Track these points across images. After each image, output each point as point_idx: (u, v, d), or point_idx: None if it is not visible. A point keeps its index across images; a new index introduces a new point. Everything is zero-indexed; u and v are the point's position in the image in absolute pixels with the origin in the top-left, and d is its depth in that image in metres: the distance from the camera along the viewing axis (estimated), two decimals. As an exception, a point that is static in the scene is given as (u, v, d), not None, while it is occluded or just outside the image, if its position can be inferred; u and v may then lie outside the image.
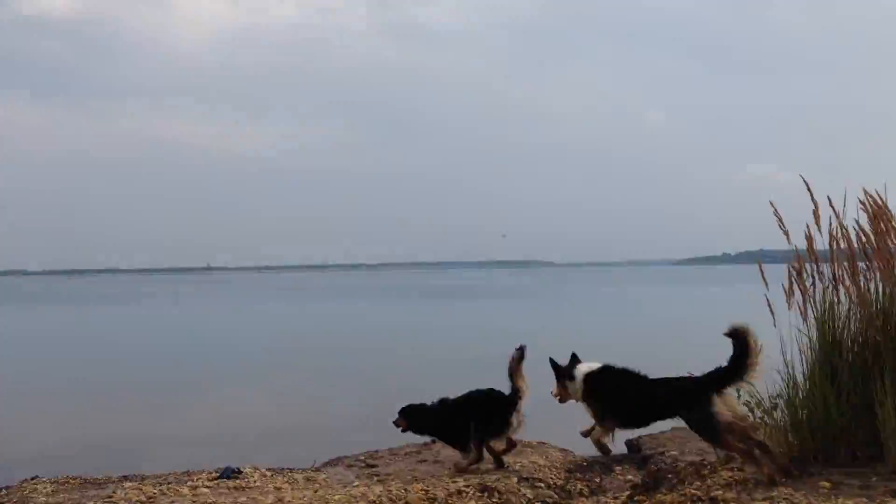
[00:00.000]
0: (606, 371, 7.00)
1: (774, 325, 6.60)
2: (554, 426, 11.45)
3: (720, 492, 5.87)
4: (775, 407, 6.60)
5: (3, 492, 8.13)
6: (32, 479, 8.47)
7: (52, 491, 7.91)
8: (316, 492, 7.07)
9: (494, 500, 7.07)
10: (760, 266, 6.88)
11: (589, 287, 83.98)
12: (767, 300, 6.61)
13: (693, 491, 6.05)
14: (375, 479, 7.86)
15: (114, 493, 7.42)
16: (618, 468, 9.02)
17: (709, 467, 6.73)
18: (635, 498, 6.74)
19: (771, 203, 6.79)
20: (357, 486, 7.45)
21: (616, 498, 7.48)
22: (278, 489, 7.40)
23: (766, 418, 6.61)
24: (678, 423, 9.72)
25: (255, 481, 7.85)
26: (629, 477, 8.58)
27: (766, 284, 6.71)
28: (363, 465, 9.01)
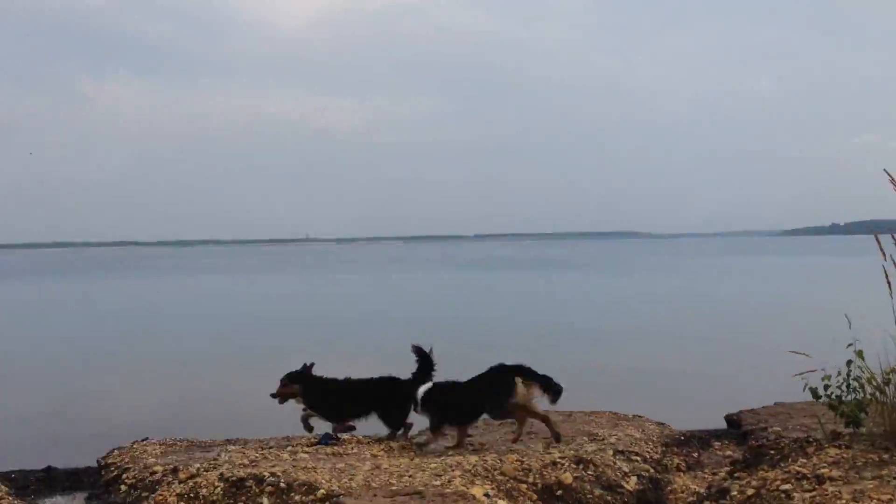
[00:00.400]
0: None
1: (892, 297, 6.23)
2: (650, 399, 11.29)
3: (826, 469, 5.61)
4: (888, 382, 6.26)
5: (116, 452, 8.54)
6: (143, 440, 8.86)
7: (161, 452, 8.27)
8: (412, 459, 7.15)
9: (590, 472, 7.00)
10: (877, 237, 6.49)
11: (713, 260, 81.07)
12: (885, 272, 6.25)
13: (797, 468, 5.81)
14: (470, 448, 7.88)
15: (218, 455, 7.70)
16: (716, 443, 8.81)
17: (815, 444, 6.45)
18: (735, 474, 6.53)
19: (886, 172, 6.41)
20: (451, 454, 7.49)
21: (714, 474, 7.31)
22: (374, 456, 7.51)
23: (877, 394, 6.28)
24: (780, 396, 9.46)
25: (351, 448, 7.98)
26: (728, 453, 8.36)
27: (885, 255, 6.32)
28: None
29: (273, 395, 8.45)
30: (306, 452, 7.77)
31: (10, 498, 6.93)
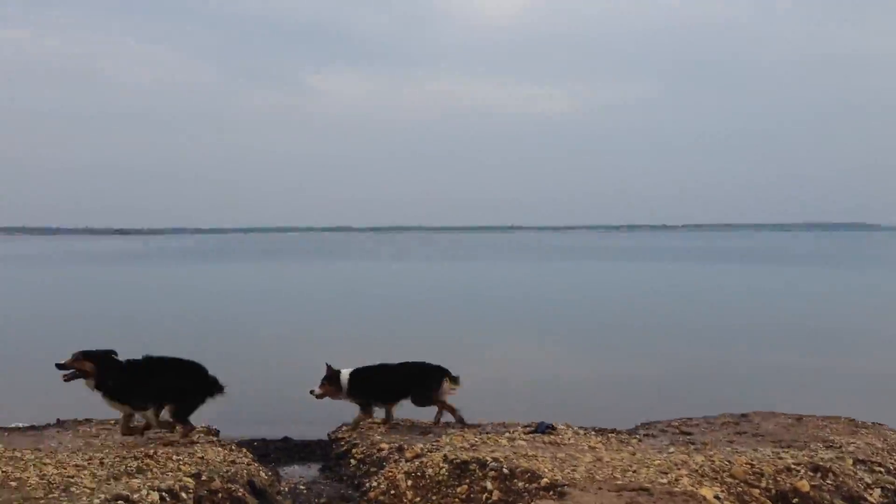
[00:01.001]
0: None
1: None
2: (891, 406, 10.36)
3: None
4: None
5: (344, 427, 9.04)
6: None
7: (387, 430, 8.66)
8: (634, 454, 7.00)
9: (829, 481, 6.53)
10: None
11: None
12: None
13: None
14: (692, 447, 7.60)
15: (440, 437, 7.93)
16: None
17: None
18: None
19: None
20: (674, 452, 7.26)
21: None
22: (593, 448, 7.44)
23: None
24: None
25: (568, 438, 7.95)
26: None
27: None
28: (676, 431, 8.78)
29: (59, 366, 7.42)
30: (524, 440, 7.82)
31: (256, 464, 7.51)
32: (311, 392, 8.82)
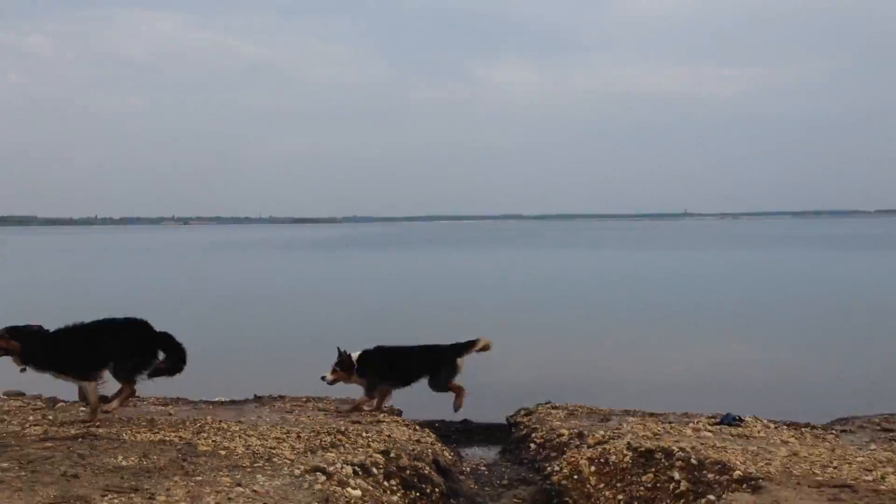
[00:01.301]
0: None
1: None
2: None
3: None
4: None
5: (523, 412, 9.11)
6: (546, 403, 9.32)
7: (565, 416, 8.64)
8: (833, 451, 6.61)
9: None
10: None
11: None
12: None
13: None
14: (896, 445, 7.08)
15: (620, 425, 7.82)
16: None
17: None
18: None
19: None
20: (876, 449, 6.81)
21: None
22: (785, 442, 7.09)
23: None
24: None
25: (758, 431, 7.62)
26: None
27: None
28: (878, 427, 8.23)
29: None
30: (709, 431, 7.58)
31: (439, 444, 7.71)
32: (323, 378, 8.55)
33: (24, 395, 9.02)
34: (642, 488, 6.16)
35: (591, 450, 6.83)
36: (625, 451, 6.54)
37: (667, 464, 6.24)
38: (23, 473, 5.13)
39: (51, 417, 7.40)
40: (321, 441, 6.70)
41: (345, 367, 8.52)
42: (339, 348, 8.56)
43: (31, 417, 7.37)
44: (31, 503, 4.50)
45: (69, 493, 4.71)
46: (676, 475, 6.07)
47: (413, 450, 6.83)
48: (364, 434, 7.06)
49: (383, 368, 8.63)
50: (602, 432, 7.39)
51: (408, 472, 6.32)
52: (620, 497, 6.22)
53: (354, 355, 8.59)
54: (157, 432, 6.65)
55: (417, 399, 8.99)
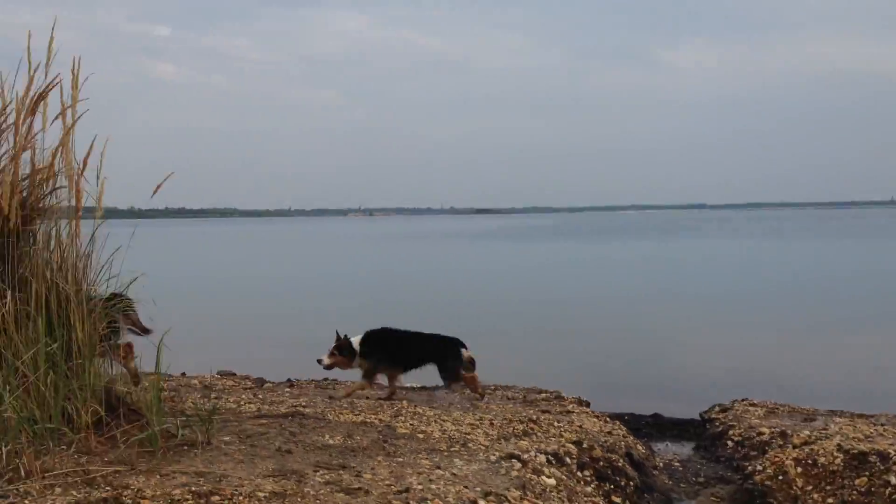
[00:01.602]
0: None
1: None
2: None
3: None
4: None
5: (717, 408, 8.80)
6: (742, 400, 8.94)
7: (764, 414, 8.25)
8: None
9: None
10: None
11: None
12: None
13: None
14: None
15: (826, 425, 7.37)
16: None
17: None
18: None
19: None
20: None
21: None
22: None
23: None
24: None
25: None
26: None
27: None
28: None
29: None
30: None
31: (631, 437, 7.60)
32: (319, 361, 8.06)
33: (235, 374, 9.76)
34: (855, 492, 5.79)
35: (797, 450, 6.48)
36: (835, 453, 6.16)
37: (882, 467, 5.83)
38: (243, 447, 5.54)
39: (261, 396, 7.96)
40: (513, 429, 6.78)
41: (343, 351, 8.08)
42: (337, 332, 8.15)
43: (244, 396, 7.96)
44: (252, 474, 4.85)
45: (285, 468, 5.05)
46: (893, 480, 5.66)
47: (605, 441, 6.77)
48: (556, 424, 7.08)
49: (389, 350, 8.18)
50: (807, 432, 6.99)
51: (601, 463, 6.28)
52: (830, 501, 5.88)
53: (356, 339, 8.16)
54: (359, 414, 6.98)
55: (607, 391, 8.92)
